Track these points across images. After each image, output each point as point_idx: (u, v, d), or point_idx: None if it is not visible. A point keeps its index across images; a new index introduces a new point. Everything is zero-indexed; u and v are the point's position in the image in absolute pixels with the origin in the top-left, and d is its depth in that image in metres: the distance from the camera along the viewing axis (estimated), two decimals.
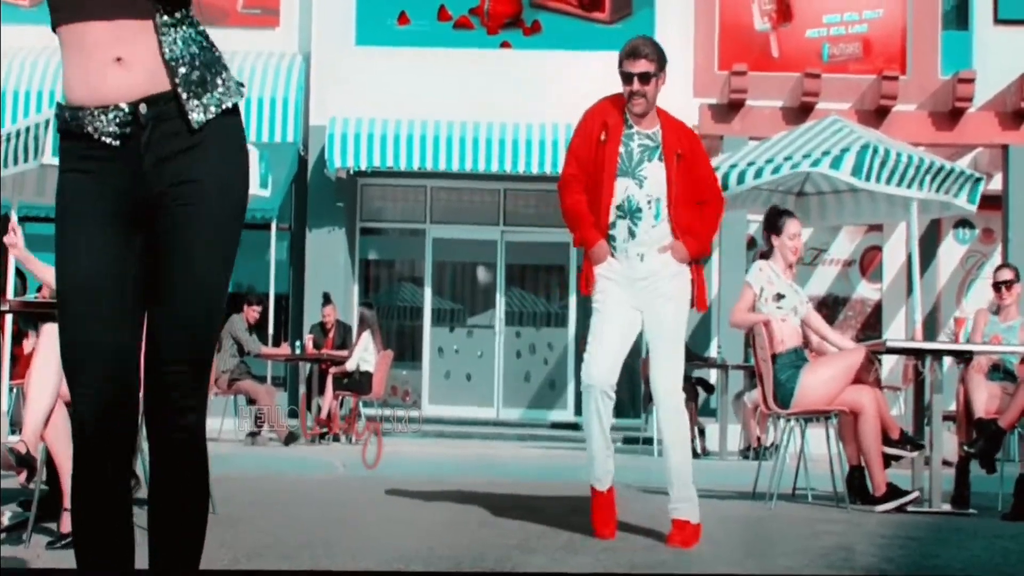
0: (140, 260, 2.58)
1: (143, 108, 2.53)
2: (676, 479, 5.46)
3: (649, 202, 5.48)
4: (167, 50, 2.55)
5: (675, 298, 5.56)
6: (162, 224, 2.56)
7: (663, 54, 5.54)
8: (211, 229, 2.57)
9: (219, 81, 2.60)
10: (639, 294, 5.54)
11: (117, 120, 2.53)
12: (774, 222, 7.61)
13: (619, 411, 6.29)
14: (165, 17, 2.55)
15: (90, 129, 2.54)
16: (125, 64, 2.53)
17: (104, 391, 2.53)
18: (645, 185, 5.47)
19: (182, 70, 2.55)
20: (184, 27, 2.58)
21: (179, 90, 2.55)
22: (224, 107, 2.60)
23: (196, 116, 2.55)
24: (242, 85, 2.68)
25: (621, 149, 5.50)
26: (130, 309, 2.57)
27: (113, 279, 2.55)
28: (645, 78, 5.45)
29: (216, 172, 2.58)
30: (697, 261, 5.62)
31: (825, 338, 7.75)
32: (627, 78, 5.48)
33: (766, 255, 7.62)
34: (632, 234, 5.49)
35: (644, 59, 5.46)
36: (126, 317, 2.57)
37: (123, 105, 2.52)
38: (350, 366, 14.06)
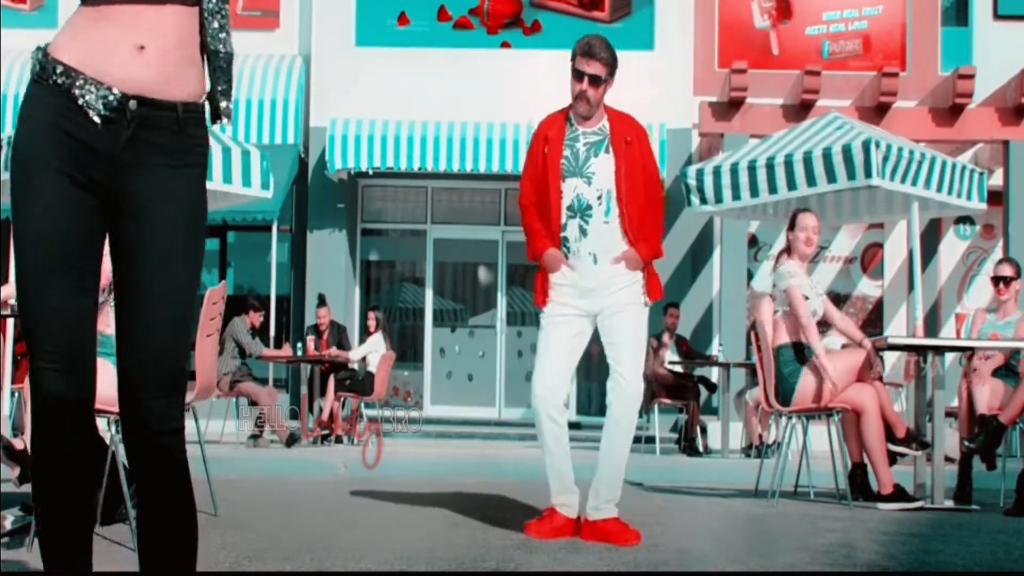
0: (101, 236, 2.57)
1: (133, 104, 2.51)
2: (612, 474, 5.49)
3: (599, 197, 5.51)
4: (211, 39, 2.56)
5: (630, 304, 5.57)
6: (134, 232, 2.54)
7: (616, 59, 5.56)
8: (185, 247, 2.57)
9: (231, 86, 2.64)
10: (593, 303, 5.57)
11: (104, 99, 2.49)
12: (792, 219, 7.70)
13: None
14: (211, 4, 2.57)
15: (77, 93, 2.50)
16: (145, 53, 2.50)
17: (65, 356, 2.52)
18: (593, 181, 5.52)
19: (222, 67, 2.58)
20: (222, 17, 2.60)
21: (217, 91, 2.57)
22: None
23: (221, 123, 2.60)
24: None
25: (566, 152, 5.55)
26: (89, 273, 2.56)
27: (75, 243, 2.53)
28: (595, 80, 5.49)
29: (194, 194, 2.58)
30: (650, 263, 5.63)
31: (834, 324, 7.71)
32: (578, 75, 5.51)
33: (788, 252, 7.69)
34: (584, 232, 5.53)
35: (598, 62, 5.49)
36: (84, 280, 2.55)
37: (115, 90, 2.50)
38: (355, 356, 14.07)
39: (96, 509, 2.69)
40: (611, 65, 5.52)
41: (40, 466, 2.56)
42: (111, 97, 2.49)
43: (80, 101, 2.49)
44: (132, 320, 2.54)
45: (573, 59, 5.54)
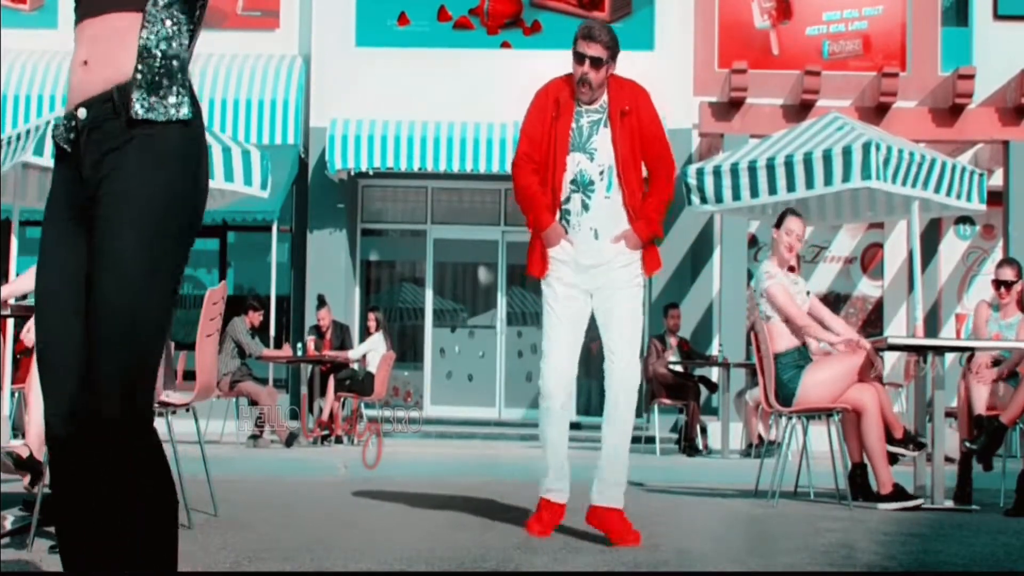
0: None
1: (81, 112, 2.55)
2: (615, 460, 5.48)
3: (601, 172, 5.51)
4: (144, 36, 2.54)
5: (627, 286, 5.55)
6: (93, 222, 2.54)
7: (617, 42, 5.57)
8: (139, 235, 2.49)
9: (171, 96, 2.56)
10: (591, 279, 5.56)
11: (66, 125, 2.58)
12: (780, 218, 7.70)
13: None
14: (156, 10, 2.55)
15: (55, 135, 2.62)
16: (89, 67, 2.55)
17: (69, 398, 2.53)
18: (596, 157, 5.52)
19: (146, 62, 2.54)
20: (171, 24, 2.57)
21: (135, 80, 2.53)
22: (168, 118, 2.55)
23: (137, 108, 2.52)
24: (195, 110, 2.61)
25: (573, 125, 5.54)
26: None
27: (75, 286, 2.55)
28: (596, 63, 5.49)
29: (135, 170, 2.51)
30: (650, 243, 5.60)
31: (822, 321, 7.69)
32: (579, 58, 5.52)
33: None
34: (585, 207, 5.52)
35: (599, 44, 5.50)
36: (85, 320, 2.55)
37: (76, 111, 2.56)
38: (354, 355, 14.08)
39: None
40: (612, 48, 5.52)
41: (57, 504, 2.59)
42: (70, 119, 2.57)
43: (58, 141, 2.60)
44: (88, 312, 2.52)
45: (575, 43, 5.54)
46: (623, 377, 5.50)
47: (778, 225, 7.66)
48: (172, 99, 2.57)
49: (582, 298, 5.60)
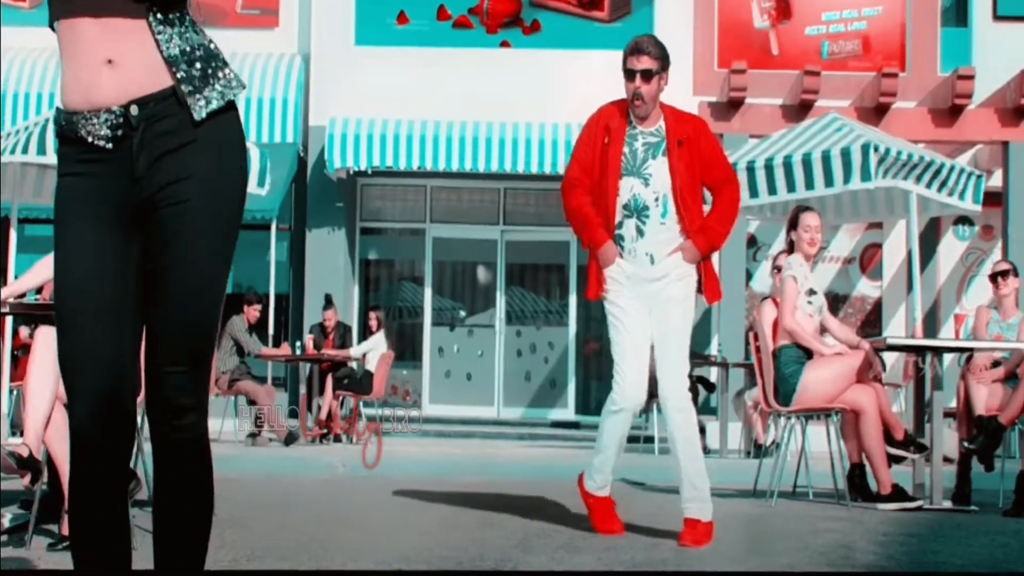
0: (136, 264, 2.56)
1: (134, 109, 2.51)
2: (685, 477, 5.46)
3: (656, 199, 5.48)
4: (164, 48, 2.53)
5: (683, 301, 5.56)
6: (158, 224, 2.54)
7: (666, 53, 5.54)
8: (208, 226, 2.55)
9: (220, 75, 2.59)
10: (648, 296, 5.54)
11: (109, 123, 2.51)
12: (793, 219, 7.70)
13: None
14: (159, 16, 2.54)
15: (83, 133, 2.53)
16: (116, 65, 2.51)
17: (101, 396, 2.52)
18: (651, 182, 5.48)
19: (183, 67, 2.54)
20: (179, 26, 2.57)
21: (181, 86, 2.53)
22: (227, 100, 2.58)
23: (199, 111, 2.54)
24: (242, 81, 2.65)
25: (625, 149, 5.51)
26: (128, 313, 2.56)
27: (110, 283, 2.54)
28: (647, 75, 5.46)
29: (211, 168, 2.56)
30: (710, 256, 5.60)
31: (832, 334, 7.74)
32: (630, 75, 5.49)
33: (790, 251, 7.70)
34: (641, 232, 5.50)
35: (647, 56, 5.48)
36: (124, 321, 2.55)
37: (115, 108, 2.51)
38: (355, 353, 14.08)
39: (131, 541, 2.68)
40: (662, 59, 5.50)
41: (77, 506, 2.58)
42: (112, 117, 2.51)
43: (89, 139, 2.52)
44: (157, 294, 2.55)
45: (624, 62, 5.51)
46: (676, 395, 5.50)
47: (794, 225, 7.66)
48: (220, 85, 2.57)
49: (642, 312, 5.55)
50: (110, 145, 2.52)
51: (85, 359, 2.53)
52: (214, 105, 2.56)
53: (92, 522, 2.56)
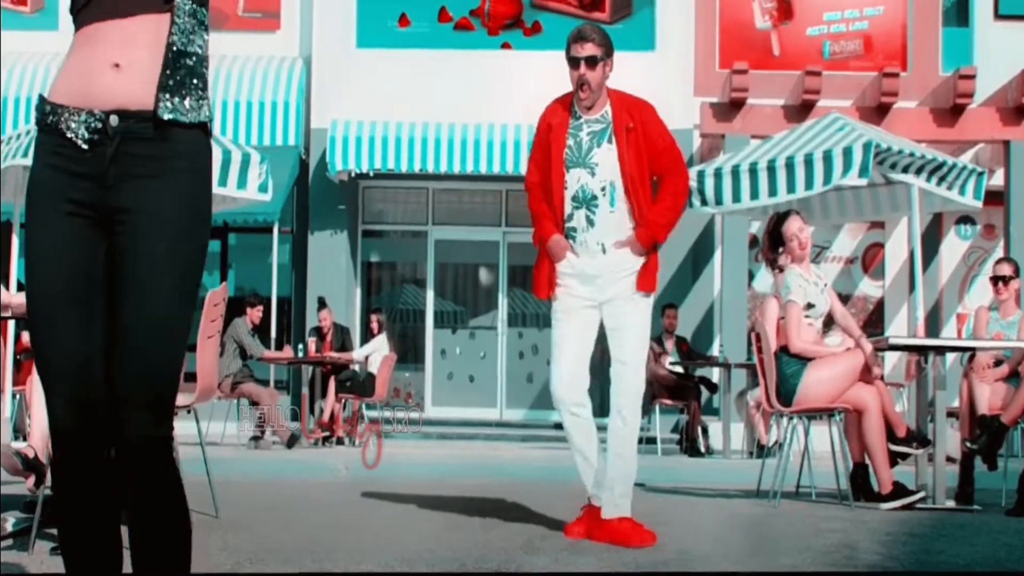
0: (103, 264, 2.57)
1: (114, 120, 2.53)
2: (623, 467, 5.57)
3: (603, 188, 5.49)
4: (176, 38, 2.55)
5: (635, 296, 5.54)
6: (121, 245, 2.54)
7: (610, 41, 5.55)
8: (172, 259, 2.54)
9: (198, 93, 2.60)
10: (599, 291, 5.54)
11: (88, 125, 2.53)
12: (774, 233, 7.62)
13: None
14: (185, 5, 2.56)
15: (63, 126, 2.55)
16: (122, 70, 2.53)
17: (75, 391, 2.53)
18: (597, 172, 5.50)
19: (177, 65, 2.55)
20: (194, 24, 2.58)
21: (165, 81, 2.54)
22: (192, 121, 2.58)
23: (163, 113, 2.54)
24: (212, 116, 2.67)
25: (569, 141, 5.53)
26: (96, 309, 2.57)
27: (79, 280, 2.55)
28: (592, 62, 5.45)
29: (183, 202, 2.56)
30: (655, 249, 5.57)
31: (836, 321, 7.73)
32: (574, 62, 5.49)
33: (781, 270, 7.60)
34: (591, 223, 5.51)
35: (591, 43, 5.48)
36: (93, 317, 2.56)
37: (96, 111, 2.53)
38: (358, 355, 14.08)
39: (119, 537, 2.68)
40: (605, 45, 5.49)
41: (61, 500, 2.59)
42: (92, 120, 2.53)
43: (68, 133, 2.54)
44: (117, 333, 2.54)
45: (567, 50, 5.52)
46: (628, 388, 5.51)
47: (779, 241, 7.60)
48: (193, 101, 2.58)
49: (590, 309, 5.58)
50: (85, 146, 2.54)
51: (58, 356, 2.54)
52: (178, 117, 2.55)
53: (77, 513, 2.57)
